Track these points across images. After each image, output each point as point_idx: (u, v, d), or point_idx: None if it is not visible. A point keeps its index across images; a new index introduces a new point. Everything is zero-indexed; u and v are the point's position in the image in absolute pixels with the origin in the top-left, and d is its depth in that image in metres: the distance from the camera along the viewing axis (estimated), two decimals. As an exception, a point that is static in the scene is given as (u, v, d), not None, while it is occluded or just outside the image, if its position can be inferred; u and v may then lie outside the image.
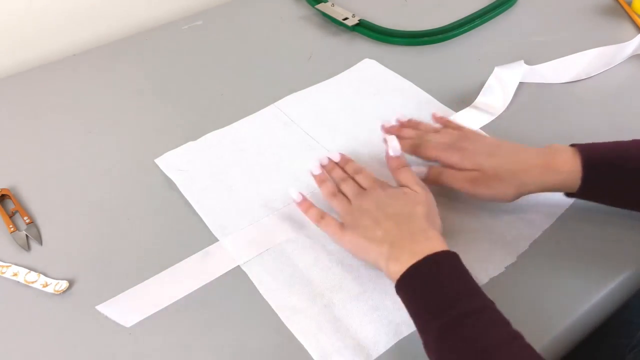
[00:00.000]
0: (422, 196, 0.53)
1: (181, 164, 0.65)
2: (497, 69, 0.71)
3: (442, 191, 0.61)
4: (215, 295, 0.53)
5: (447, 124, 0.62)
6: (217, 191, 0.62)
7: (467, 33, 0.83)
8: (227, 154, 0.66)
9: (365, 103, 0.72)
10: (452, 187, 0.56)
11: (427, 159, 0.59)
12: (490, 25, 0.85)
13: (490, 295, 0.51)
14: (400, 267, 0.46)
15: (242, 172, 0.64)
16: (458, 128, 0.60)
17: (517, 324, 0.49)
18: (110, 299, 0.52)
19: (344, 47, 0.83)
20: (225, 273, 0.54)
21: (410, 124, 0.63)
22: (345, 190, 0.56)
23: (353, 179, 0.57)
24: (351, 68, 0.78)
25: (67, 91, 0.77)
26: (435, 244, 0.47)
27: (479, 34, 0.84)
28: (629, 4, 0.86)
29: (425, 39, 0.82)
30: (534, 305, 0.50)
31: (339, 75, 0.77)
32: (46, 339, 0.50)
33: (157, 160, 0.65)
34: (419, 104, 0.72)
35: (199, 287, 0.53)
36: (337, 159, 0.60)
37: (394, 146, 0.56)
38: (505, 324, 0.42)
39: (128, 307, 0.52)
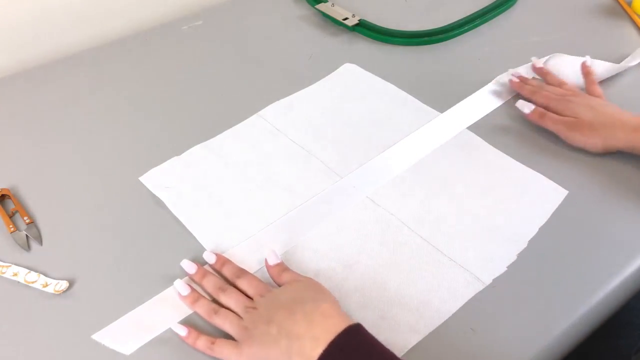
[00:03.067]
0: (307, 281, 0.50)
1: (167, 181, 0.63)
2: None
3: (441, 192, 0.60)
4: None
5: (560, 84, 0.70)
6: (207, 207, 0.60)
7: (467, 33, 0.83)
8: (214, 167, 0.65)
9: (350, 108, 0.72)
10: (550, 128, 0.65)
11: (539, 105, 0.67)
12: (490, 25, 0.85)
13: (493, 295, 0.51)
14: None
15: (232, 186, 0.63)
16: (573, 90, 0.68)
17: (518, 325, 0.49)
18: (107, 326, 0.50)
19: (344, 47, 0.83)
20: None
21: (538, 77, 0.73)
22: (228, 304, 0.50)
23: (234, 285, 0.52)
24: (332, 73, 0.77)
25: (67, 91, 0.77)
26: (335, 321, 0.43)
27: (479, 34, 0.84)
28: (629, 4, 0.86)
29: (426, 39, 0.82)
30: (536, 305, 0.50)
31: (320, 81, 0.76)
32: (46, 339, 0.50)
33: (142, 178, 0.64)
34: (403, 106, 0.72)
35: None
36: (211, 260, 0.54)
37: (271, 255, 0.53)
38: None
39: (126, 334, 0.50)
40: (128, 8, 0.90)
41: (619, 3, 0.88)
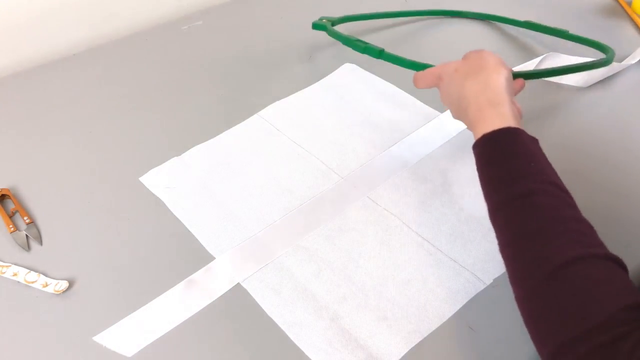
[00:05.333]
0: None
1: (167, 181, 0.63)
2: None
3: (441, 191, 0.60)
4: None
5: None
6: (208, 207, 0.60)
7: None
8: (214, 167, 0.65)
9: (350, 108, 0.72)
10: None
11: None
12: (490, 25, 0.85)
13: (495, 296, 0.51)
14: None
15: (232, 186, 0.62)
16: None
17: (517, 323, 0.49)
18: (108, 328, 0.50)
19: (346, 47, 0.82)
20: (226, 292, 0.53)
21: None
22: None
23: None
24: (332, 73, 0.77)
25: (67, 91, 0.77)
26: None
27: (481, 32, 0.83)
28: (629, 4, 0.87)
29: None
30: None
31: (320, 81, 0.76)
32: (46, 339, 0.50)
33: (142, 179, 0.64)
34: (403, 106, 0.71)
35: (200, 309, 0.52)
36: None
37: None
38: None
39: (128, 336, 0.50)
40: (128, 8, 0.90)
41: (619, 3, 0.88)
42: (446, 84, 0.56)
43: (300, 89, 0.75)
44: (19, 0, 0.80)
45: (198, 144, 0.68)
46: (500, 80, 0.51)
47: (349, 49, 0.76)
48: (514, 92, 0.53)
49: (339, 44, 0.83)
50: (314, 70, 0.78)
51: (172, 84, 0.78)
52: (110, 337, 0.50)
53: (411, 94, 0.73)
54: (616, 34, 0.82)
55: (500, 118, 0.48)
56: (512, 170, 0.45)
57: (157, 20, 0.92)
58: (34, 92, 0.78)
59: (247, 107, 0.72)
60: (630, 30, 0.83)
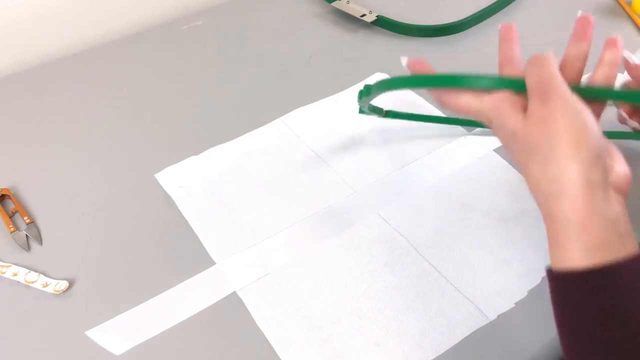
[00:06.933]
0: None
1: (182, 180, 0.63)
2: None
3: (456, 216, 0.58)
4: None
5: None
6: (217, 211, 0.59)
7: (471, 32, 0.83)
8: (229, 170, 0.64)
9: (375, 118, 0.67)
10: None
11: None
12: (490, 25, 0.85)
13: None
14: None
15: (243, 191, 0.61)
16: None
17: (520, 323, 0.48)
18: (101, 325, 0.50)
19: (354, 48, 0.82)
20: (221, 299, 0.52)
21: None
22: None
23: None
24: (363, 82, 0.75)
25: (67, 91, 0.77)
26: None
27: (482, 33, 0.83)
28: (629, 4, 0.86)
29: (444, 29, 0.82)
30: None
31: (351, 88, 0.74)
32: (46, 339, 0.50)
33: (158, 176, 0.63)
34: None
35: (193, 314, 0.51)
36: None
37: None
38: None
39: (118, 334, 0.50)
40: (128, 8, 0.90)
41: (619, 3, 0.88)
42: (502, 141, 0.39)
43: (305, 90, 0.74)
44: (19, 0, 0.80)
45: (218, 144, 0.67)
46: (578, 178, 0.32)
47: (348, 51, 0.76)
48: (609, 180, 0.34)
49: (341, 45, 0.83)
50: (316, 71, 0.78)
51: (172, 84, 0.78)
52: (102, 334, 0.50)
53: (440, 109, 0.69)
54: (616, 34, 0.82)
55: (584, 251, 0.32)
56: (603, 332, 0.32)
57: (157, 20, 0.92)
58: (34, 92, 0.77)
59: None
60: (630, 30, 0.83)
